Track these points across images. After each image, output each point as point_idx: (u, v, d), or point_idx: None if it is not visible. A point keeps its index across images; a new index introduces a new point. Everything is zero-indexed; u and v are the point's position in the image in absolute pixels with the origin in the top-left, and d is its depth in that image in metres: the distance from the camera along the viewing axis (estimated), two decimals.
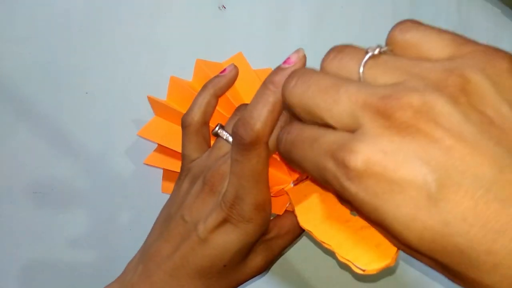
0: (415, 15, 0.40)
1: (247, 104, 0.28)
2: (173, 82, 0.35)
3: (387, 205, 0.16)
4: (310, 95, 0.18)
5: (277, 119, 0.24)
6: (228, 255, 0.26)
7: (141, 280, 0.27)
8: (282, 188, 0.28)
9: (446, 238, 0.15)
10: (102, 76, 0.37)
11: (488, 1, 0.41)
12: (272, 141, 0.24)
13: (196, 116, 0.30)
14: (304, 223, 0.25)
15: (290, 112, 0.21)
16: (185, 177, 0.29)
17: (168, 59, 0.38)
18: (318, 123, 0.19)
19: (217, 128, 0.28)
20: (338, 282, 0.38)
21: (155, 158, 0.35)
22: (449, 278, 0.18)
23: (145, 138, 0.35)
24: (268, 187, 0.26)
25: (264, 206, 0.26)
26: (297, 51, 0.23)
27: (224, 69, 0.32)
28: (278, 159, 0.28)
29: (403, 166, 0.15)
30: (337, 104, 0.17)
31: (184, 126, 0.30)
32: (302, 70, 0.20)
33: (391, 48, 0.19)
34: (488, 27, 0.40)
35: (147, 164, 0.35)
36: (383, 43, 0.19)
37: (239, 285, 0.29)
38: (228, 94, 0.32)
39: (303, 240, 0.37)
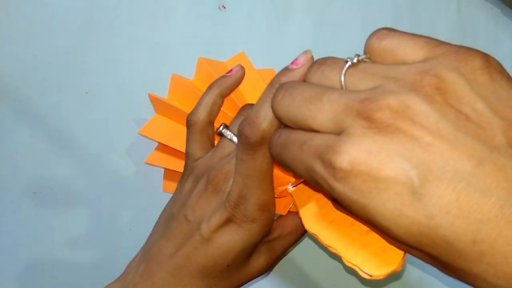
0: (415, 15, 0.40)
1: (252, 104, 0.28)
2: (174, 80, 0.35)
3: (374, 202, 0.17)
4: (296, 106, 0.19)
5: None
6: (232, 255, 0.26)
7: (142, 280, 0.27)
8: (286, 189, 0.28)
9: (433, 231, 0.16)
10: (102, 76, 0.37)
11: (488, 1, 0.41)
12: None
13: (202, 115, 0.30)
14: (309, 226, 0.25)
15: (281, 123, 0.22)
16: (188, 176, 0.29)
17: (168, 59, 0.38)
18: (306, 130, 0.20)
19: (221, 128, 0.28)
20: (340, 283, 0.38)
21: (156, 157, 0.35)
22: (441, 270, 0.19)
23: (146, 137, 0.35)
24: (272, 188, 0.26)
25: (268, 207, 0.26)
26: (305, 52, 0.23)
27: (231, 69, 0.32)
28: None
29: (386, 164, 0.16)
30: (321, 111, 0.18)
31: (189, 124, 0.30)
32: (289, 83, 0.21)
33: (369, 56, 0.20)
34: (488, 27, 0.40)
35: (148, 163, 0.35)
36: None
37: (241, 286, 0.29)
38: (231, 93, 0.32)
39: (306, 240, 0.37)
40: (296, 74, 0.23)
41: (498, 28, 0.40)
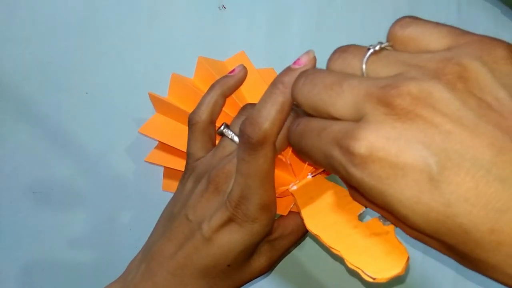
0: (415, 15, 0.40)
1: (253, 104, 0.28)
2: (174, 79, 0.35)
3: (391, 189, 0.16)
4: (316, 92, 0.19)
5: (285, 119, 0.24)
6: (232, 255, 0.26)
7: (143, 280, 0.27)
8: (287, 189, 0.28)
9: (450, 218, 0.16)
10: (102, 76, 0.37)
11: (488, 1, 0.41)
12: (279, 140, 0.24)
13: (204, 114, 0.30)
14: (311, 227, 0.24)
15: (300, 110, 0.22)
16: (190, 176, 0.29)
17: (168, 59, 0.38)
18: (325, 117, 0.20)
19: (222, 127, 0.28)
20: (342, 284, 0.38)
21: (156, 156, 0.35)
22: (457, 261, 0.18)
23: (146, 135, 0.35)
24: (274, 187, 0.26)
25: (269, 207, 0.26)
26: (308, 52, 0.24)
27: (233, 69, 0.32)
28: (284, 159, 0.28)
29: (405, 150, 0.16)
30: (341, 97, 0.18)
31: (191, 124, 0.30)
32: (309, 70, 0.21)
33: (391, 44, 0.20)
34: (488, 27, 0.40)
35: (148, 162, 0.35)
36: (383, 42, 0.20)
37: (242, 285, 0.29)
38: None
39: (308, 241, 0.37)
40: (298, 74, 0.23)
41: (498, 28, 0.40)
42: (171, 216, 0.28)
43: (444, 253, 0.19)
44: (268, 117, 0.23)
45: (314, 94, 0.19)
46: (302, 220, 0.25)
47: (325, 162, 0.19)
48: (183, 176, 0.30)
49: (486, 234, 0.15)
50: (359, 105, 0.18)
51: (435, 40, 0.18)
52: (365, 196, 0.19)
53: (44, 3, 0.37)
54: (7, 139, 0.36)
